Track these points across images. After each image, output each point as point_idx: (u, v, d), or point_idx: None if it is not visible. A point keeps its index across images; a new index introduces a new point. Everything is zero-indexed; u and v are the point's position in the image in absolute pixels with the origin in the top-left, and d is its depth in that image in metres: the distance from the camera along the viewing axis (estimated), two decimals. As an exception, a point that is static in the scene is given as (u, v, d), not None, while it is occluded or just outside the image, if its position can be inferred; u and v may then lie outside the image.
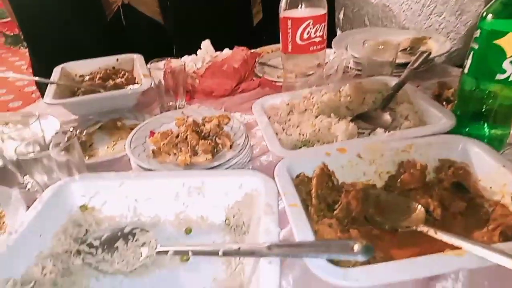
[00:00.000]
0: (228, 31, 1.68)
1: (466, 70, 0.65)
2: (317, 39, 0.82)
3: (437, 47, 1.10)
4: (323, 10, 0.82)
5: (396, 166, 0.61)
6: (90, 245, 0.51)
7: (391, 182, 0.61)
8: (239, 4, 1.77)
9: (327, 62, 1.02)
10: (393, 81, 0.83)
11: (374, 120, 0.72)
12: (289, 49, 0.85)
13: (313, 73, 0.96)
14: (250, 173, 0.58)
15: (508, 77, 0.60)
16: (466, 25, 1.43)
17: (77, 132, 0.78)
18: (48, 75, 1.02)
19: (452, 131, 0.66)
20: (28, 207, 0.61)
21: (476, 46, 0.62)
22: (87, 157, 0.76)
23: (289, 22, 0.81)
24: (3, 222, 0.59)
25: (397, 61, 0.99)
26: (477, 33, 0.62)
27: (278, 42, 1.38)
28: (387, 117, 0.72)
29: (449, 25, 1.45)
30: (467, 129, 0.68)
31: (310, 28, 0.80)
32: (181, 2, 1.70)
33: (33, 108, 1.06)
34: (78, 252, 0.51)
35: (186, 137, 0.69)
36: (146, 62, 1.22)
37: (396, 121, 0.73)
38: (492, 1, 0.60)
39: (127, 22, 1.74)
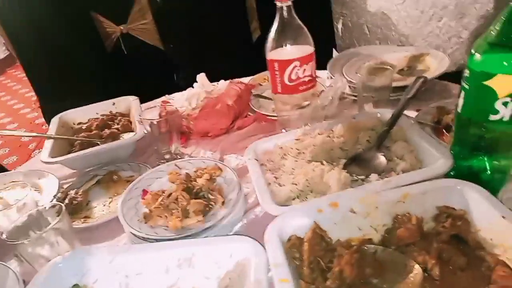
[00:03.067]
0: (229, 49, 1.68)
1: (459, 109, 0.62)
2: (306, 79, 0.81)
3: (436, 64, 1.06)
4: (310, 48, 0.80)
5: (392, 219, 0.59)
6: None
7: (388, 235, 0.58)
8: (235, 23, 1.77)
9: (322, 91, 1.00)
10: (388, 114, 0.80)
11: (368, 163, 0.70)
12: (279, 90, 0.83)
13: (308, 104, 0.94)
14: (240, 240, 0.57)
15: (502, 118, 0.57)
16: (467, 28, 1.38)
17: (69, 199, 0.79)
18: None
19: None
20: (25, 281, 0.62)
21: (467, 86, 0.59)
22: (82, 220, 0.76)
23: (276, 64, 0.80)
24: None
25: (394, 84, 0.96)
26: (467, 73, 0.59)
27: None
28: (381, 159, 0.70)
29: (450, 30, 1.41)
30: (467, 162, 0.65)
31: (298, 69, 0.78)
32: (179, 26, 1.72)
33: (34, 161, 1.07)
34: None
35: (177, 198, 0.69)
36: (149, 94, 1.21)
37: (392, 162, 0.70)
38: (479, 40, 0.57)
39: (128, 51, 1.76)
